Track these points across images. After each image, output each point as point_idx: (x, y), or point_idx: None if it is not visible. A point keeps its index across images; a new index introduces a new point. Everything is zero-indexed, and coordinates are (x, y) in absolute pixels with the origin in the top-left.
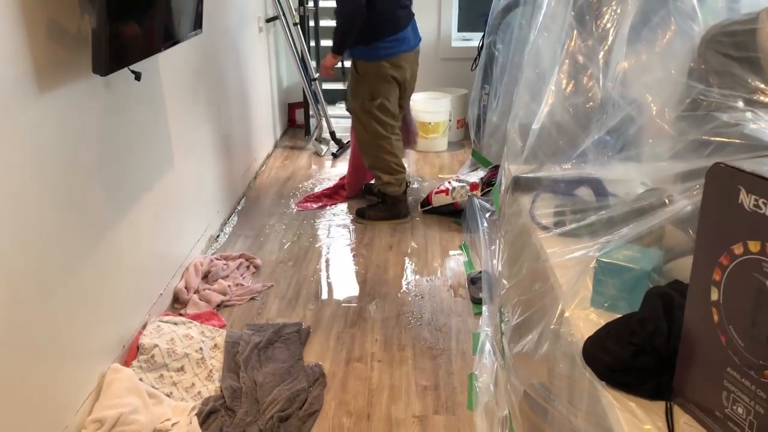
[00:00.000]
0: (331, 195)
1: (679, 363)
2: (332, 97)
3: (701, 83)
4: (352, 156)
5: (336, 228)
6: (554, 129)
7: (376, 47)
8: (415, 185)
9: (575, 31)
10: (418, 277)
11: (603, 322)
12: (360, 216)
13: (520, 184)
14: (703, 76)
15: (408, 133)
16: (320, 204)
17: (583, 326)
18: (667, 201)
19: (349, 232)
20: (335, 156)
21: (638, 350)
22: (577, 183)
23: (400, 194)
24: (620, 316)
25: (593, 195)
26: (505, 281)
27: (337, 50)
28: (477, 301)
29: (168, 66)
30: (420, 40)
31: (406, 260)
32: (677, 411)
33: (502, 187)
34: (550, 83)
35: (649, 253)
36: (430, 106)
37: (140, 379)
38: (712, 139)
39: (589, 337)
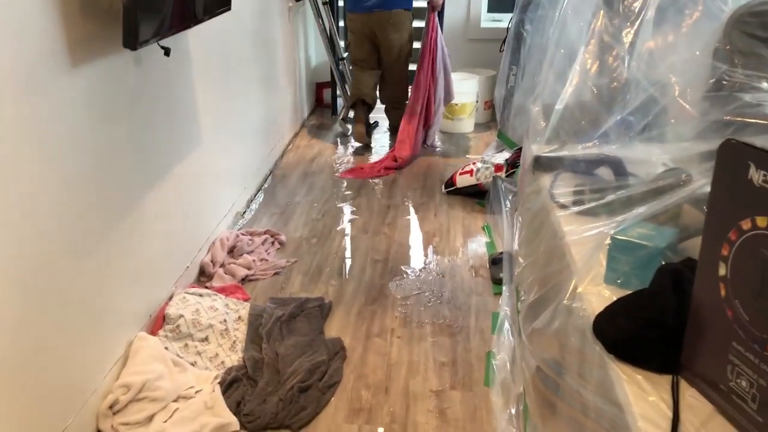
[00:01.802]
0: (378, 168)
1: (686, 337)
2: None
3: (726, 63)
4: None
5: (360, 207)
6: (578, 109)
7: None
8: (439, 146)
9: (602, 11)
10: (439, 256)
11: (615, 298)
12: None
13: (540, 164)
14: (728, 57)
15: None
16: (364, 174)
17: (595, 302)
18: (684, 180)
19: (373, 211)
20: None
21: (647, 324)
22: (598, 163)
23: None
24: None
25: (613, 175)
26: (521, 260)
27: None
28: (498, 282)
29: (197, 43)
30: (384, 6)
31: (429, 240)
32: (683, 385)
33: (523, 167)
34: (575, 63)
35: (663, 231)
36: (457, 87)
37: (166, 348)
38: (734, 119)
39: (600, 312)
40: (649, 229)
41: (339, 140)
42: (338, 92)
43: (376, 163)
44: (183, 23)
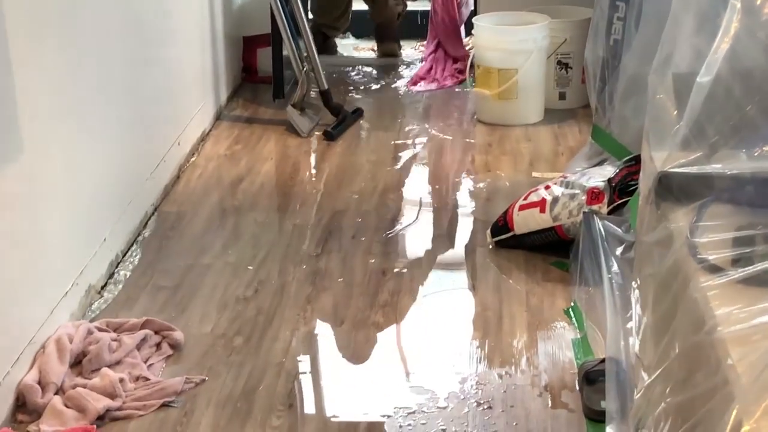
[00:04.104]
0: (448, 74)
1: None
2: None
3: None
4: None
5: (330, 272)
6: (738, 83)
7: None
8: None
9: None
10: (483, 367)
11: None
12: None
13: (671, 188)
14: None
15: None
16: (435, 82)
17: None
18: None
19: (355, 281)
20: (329, 137)
21: None
22: None
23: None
24: None
25: None
26: (644, 372)
27: None
28: (596, 417)
29: None
30: None
31: (462, 337)
32: None
33: (642, 194)
34: None
35: None
36: (505, 38)
37: None
38: None
39: None
40: None
41: (288, 144)
42: (285, 52)
43: (428, 72)
44: None
